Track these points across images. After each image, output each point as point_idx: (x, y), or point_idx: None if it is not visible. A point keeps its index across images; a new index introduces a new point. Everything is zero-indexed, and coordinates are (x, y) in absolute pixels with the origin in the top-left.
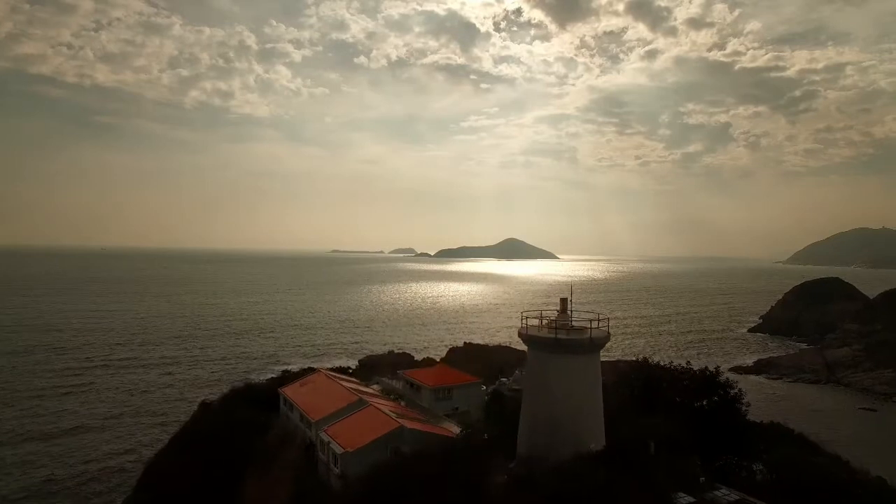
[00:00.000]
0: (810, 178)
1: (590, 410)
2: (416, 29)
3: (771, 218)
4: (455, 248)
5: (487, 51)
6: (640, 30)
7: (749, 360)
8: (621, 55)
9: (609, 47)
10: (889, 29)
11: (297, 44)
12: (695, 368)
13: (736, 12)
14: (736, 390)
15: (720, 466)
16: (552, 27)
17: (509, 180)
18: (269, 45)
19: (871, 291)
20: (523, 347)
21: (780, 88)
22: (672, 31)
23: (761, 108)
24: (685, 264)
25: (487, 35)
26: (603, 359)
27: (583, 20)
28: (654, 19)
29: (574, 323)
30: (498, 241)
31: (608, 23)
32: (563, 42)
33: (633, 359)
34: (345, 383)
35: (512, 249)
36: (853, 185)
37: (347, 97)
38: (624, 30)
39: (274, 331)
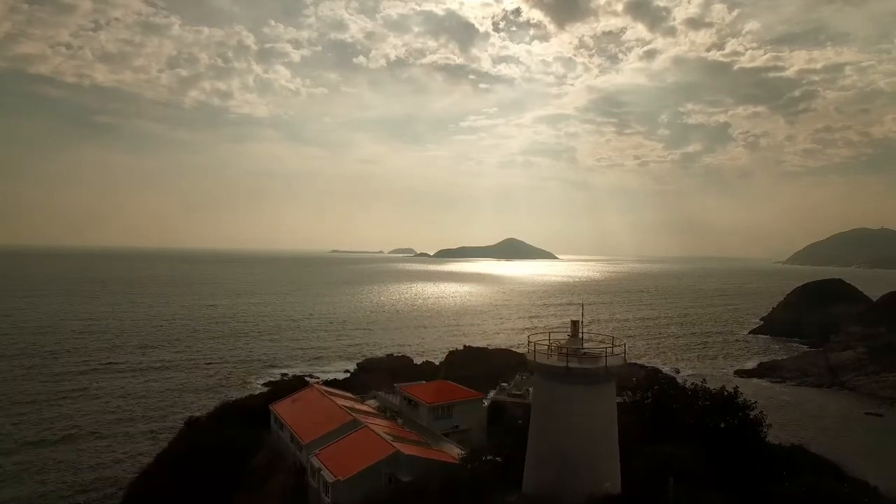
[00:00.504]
0: (809, 178)
1: (604, 447)
2: (415, 29)
3: (770, 218)
4: (455, 248)
5: (486, 51)
6: (638, 30)
7: (752, 363)
8: (620, 55)
9: (608, 47)
10: (888, 29)
11: (296, 44)
12: (710, 387)
13: (735, 12)
14: (757, 412)
15: (740, 498)
16: (551, 27)
17: (509, 180)
18: (267, 45)
19: (872, 292)
20: (523, 350)
21: (779, 88)
22: (671, 31)
23: (760, 109)
24: (685, 264)
25: (486, 35)
26: None
27: (582, 20)
28: (652, 19)
29: (586, 347)
30: (497, 241)
31: (607, 23)
32: (562, 42)
33: (636, 361)
34: (339, 400)
35: (511, 249)
36: (852, 185)
37: (346, 97)
38: (623, 30)
39: (272, 333)
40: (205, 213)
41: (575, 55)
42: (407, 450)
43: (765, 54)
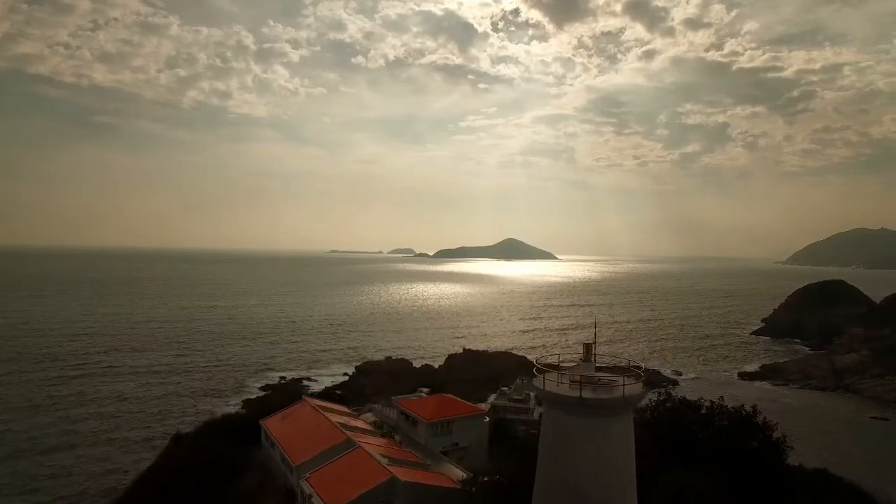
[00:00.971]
0: (808, 178)
1: (620, 482)
2: (414, 29)
3: (769, 218)
4: (454, 248)
5: (485, 51)
6: (637, 30)
7: (754, 366)
8: (619, 55)
9: (607, 47)
10: (887, 30)
11: (295, 44)
12: (728, 405)
13: (733, 13)
14: (779, 434)
15: None
16: (550, 27)
17: (508, 180)
18: (266, 45)
19: (873, 292)
20: (523, 353)
21: (778, 89)
22: (669, 32)
23: (759, 109)
24: (684, 265)
25: (485, 35)
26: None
27: (580, 20)
28: (651, 20)
29: (599, 371)
30: (497, 242)
31: (606, 23)
32: (561, 42)
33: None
34: (332, 416)
35: (511, 250)
36: (851, 185)
37: (345, 97)
38: (621, 30)
39: (271, 335)
40: (204, 213)
41: (574, 55)
42: (403, 475)
43: (763, 55)
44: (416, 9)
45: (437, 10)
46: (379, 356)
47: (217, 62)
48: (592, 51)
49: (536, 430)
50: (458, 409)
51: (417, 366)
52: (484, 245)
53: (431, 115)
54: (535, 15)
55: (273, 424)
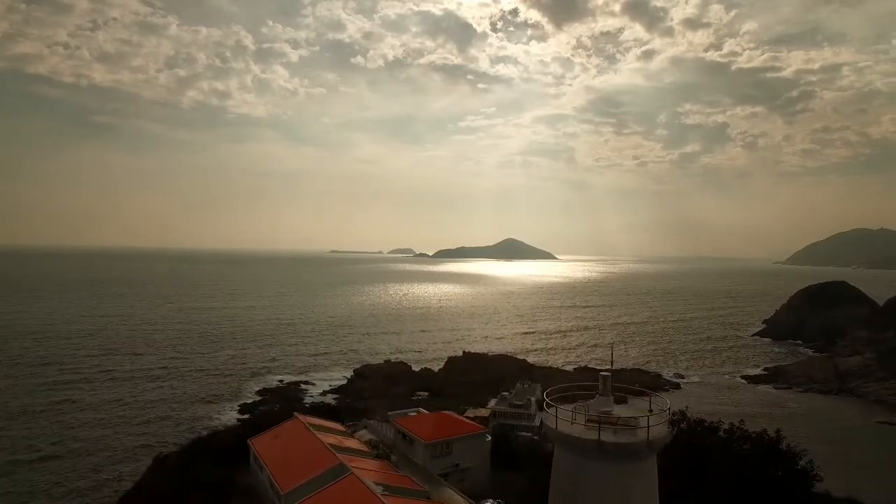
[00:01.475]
0: (808, 178)
1: None
2: (413, 29)
3: (769, 218)
4: (454, 248)
5: (484, 51)
6: (636, 30)
7: (757, 369)
8: (618, 55)
9: (606, 48)
10: (885, 30)
11: (294, 44)
12: (750, 430)
13: (732, 13)
14: (805, 461)
15: None
16: (549, 27)
17: (508, 180)
18: (265, 45)
19: (873, 293)
20: (523, 356)
21: (777, 89)
22: (668, 32)
23: (758, 109)
24: (684, 265)
25: (484, 35)
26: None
27: (579, 20)
28: (650, 20)
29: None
30: (497, 242)
31: (605, 23)
32: (560, 42)
33: (639, 367)
34: (325, 437)
35: (511, 250)
36: (851, 185)
37: (345, 97)
38: (620, 30)
39: (270, 337)
40: (204, 213)
41: (573, 55)
42: None
43: (762, 55)
44: (415, 9)
45: (436, 10)
46: (378, 359)
47: (216, 62)
48: (591, 51)
49: (538, 436)
50: (458, 429)
51: (416, 369)
52: (483, 245)
53: (431, 115)
54: (534, 15)
55: (262, 445)
